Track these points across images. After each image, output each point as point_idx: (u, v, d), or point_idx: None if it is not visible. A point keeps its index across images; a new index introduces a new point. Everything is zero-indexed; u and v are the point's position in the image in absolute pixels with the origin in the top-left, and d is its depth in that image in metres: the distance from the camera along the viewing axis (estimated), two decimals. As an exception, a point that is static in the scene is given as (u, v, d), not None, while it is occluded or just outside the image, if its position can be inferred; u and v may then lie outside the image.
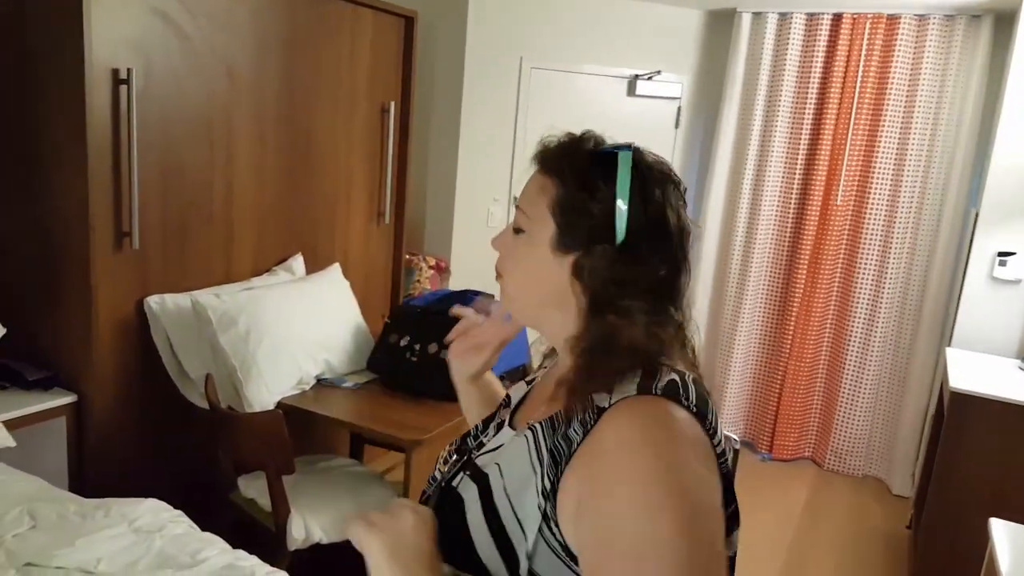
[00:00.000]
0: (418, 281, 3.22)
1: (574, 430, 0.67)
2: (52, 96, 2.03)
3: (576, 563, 0.64)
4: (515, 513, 0.68)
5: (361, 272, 2.94)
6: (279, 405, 2.18)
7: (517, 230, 0.77)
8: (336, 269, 2.74)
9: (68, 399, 2.09)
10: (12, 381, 2.09)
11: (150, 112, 2.13)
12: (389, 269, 3.12)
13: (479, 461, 0.77)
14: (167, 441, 2.30)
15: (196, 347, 2.24)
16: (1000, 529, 1.61)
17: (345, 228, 2.88)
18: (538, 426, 0.72)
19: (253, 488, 2.08)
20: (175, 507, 1.72)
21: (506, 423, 0.82)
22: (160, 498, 1.75)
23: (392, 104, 2.97)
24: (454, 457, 0.84)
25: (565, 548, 0.65)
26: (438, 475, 0.83)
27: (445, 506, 0.74)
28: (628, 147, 0.74)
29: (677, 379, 0.68)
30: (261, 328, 2.24)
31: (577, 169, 0.73)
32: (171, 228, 2.26)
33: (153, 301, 2.21)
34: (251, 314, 2.25)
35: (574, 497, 0.64)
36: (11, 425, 1.91)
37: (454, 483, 0.78)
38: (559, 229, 0.72)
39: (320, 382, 2.35)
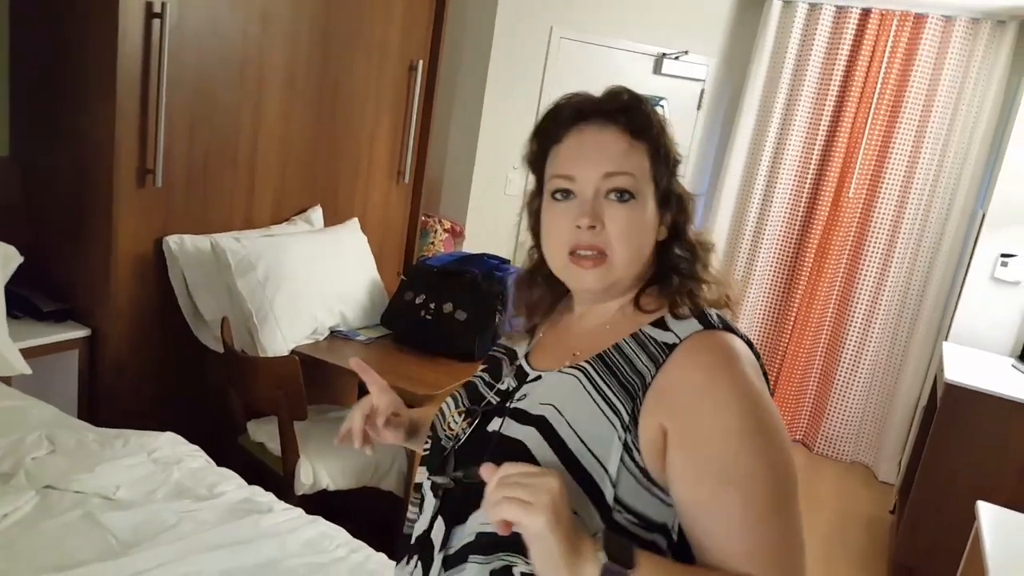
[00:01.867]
0: (432, 243, 3.17)
1: (643, 364, 0.70)
2: (85, 27, 1.94)
3: (655, 486, 0.68)
4: (587, 446, 0.69)
5: (378, 229, 2.89)
6: (293, 352, 2.14)
7: (624, 196, 0.73)
8: (355, 223, 2.68)
9: (82, 333, 2.05)
10: (26, 311, 2.04)
11: (182, 49, 2.05)
12: (405, 228, 3.06)
13: (522, 405, 0.75)
14: (180, 381, 2.26)
15: (213, 290, 2.19)
16: (987, 512, 1.62)
17: (366, 183, 2.82)
18: (587, 365, 0.74)
19: (263, 432, 2.05)
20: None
21: (528, 368, 0.81)
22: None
23: (420, 63, 2.89)
24: (465, 411, 0.81)
25: (644, 473, 0.68)
26: (449, 433, 0.80)
27: (500, 454, 0.70)
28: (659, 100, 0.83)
29: (718, 312, 0.74)
30: (279, 275, 2.19)
31: (658, 126, 0.76)
32: (195, 169, 2.19)
33: (172, 241, 2.15)
34: (270, 260, 2.20)
35: (658, 428, 0.67)
36: (24, 355, 1.86)
37: (492, 430, 0.75)
38: (658, 183, 0.76)
39: (334, 334, 2.31)
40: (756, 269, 3.65)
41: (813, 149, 3.49)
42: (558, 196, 0.76)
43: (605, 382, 0.71)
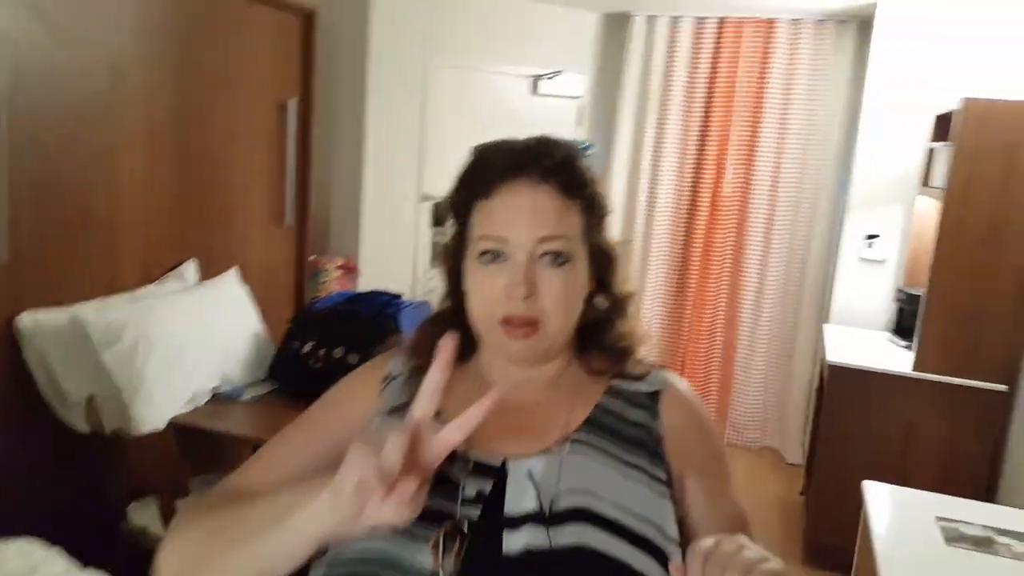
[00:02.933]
0: (324, 283, 3.05)
1: (639, 417, 0.73)
2: None
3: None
4: (640, 517, 0.66)
5: (262, 276, 2.74)
6: (171, 424, 1.98)
7: (560, 260, 0.69)
8: (232, 274, 2.53)
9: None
10: None
11: (19, 114, 1.85)
12: (292, 272, 2.93)
13: (550, 504, 0.64)
14: (45, 472, 2.04)
15: (77, 367, 1.99)
16: (873, 491, 1.66)
17: (244, 230, 2.67)
18: (584, 435, 0.71)
19: (145, 515, 1.88)
20: (55, 543, 1.52)
21: (493, 461, 0.67)
22: (39, 535, 1.53)
23: (292, 102, 2.78)
24: (434, 539, 0.62)
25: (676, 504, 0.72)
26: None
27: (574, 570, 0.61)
28: (588, 145, 0.78)
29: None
30: (149, 342, 2.02)
31: (592, 182, 0.73)
32: (47, 238, 2.00)
33: (26, 318, 1.95)
34: (137, 327, 2.03)
35: (677, 467, 0.72)
36: None
37: (518, 549, 0.62)
38: (589, 241, 0.73)
39: (216, 396, 2.16)
40: (648, 273, 3.73)
41: (687, 154, 3.61)
42: (487, 258, 0.69)
43: (614, 445, 0.70)
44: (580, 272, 0.71)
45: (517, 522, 0.64)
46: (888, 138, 3.08)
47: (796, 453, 3.57)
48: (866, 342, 2.94)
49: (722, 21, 3.46)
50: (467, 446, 0.65)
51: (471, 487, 0.66)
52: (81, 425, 1.94)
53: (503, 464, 0.68)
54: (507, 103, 3.54)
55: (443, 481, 0.64)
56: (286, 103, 2.76)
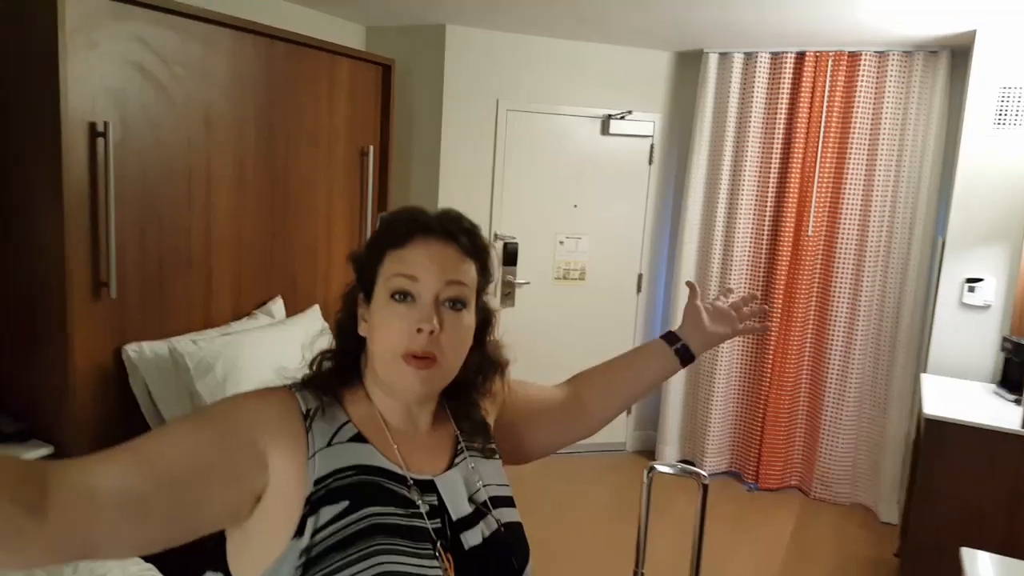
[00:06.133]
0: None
1: (475, 416, 0.95)
2: (29, 149, 2.04)
3: None
4: (506, 484, 0.94)
5: (341, 314, 2.94)
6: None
7: (458, 305, 0.83)
8: (315, 311, 2.74)
9: (44, 451, 2.07)
10: (-12, 434, 2.06)
11: (128, 162, 2.15)
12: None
13: (479, 498, 0.88)
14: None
15: (174, 394, 2.22)
16: (973, 559, 1.59)
17: (325, 269, 2.90)
18: (465, 444, 0.91)
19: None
20: (149, 560, 1.69)
21: (429, 477, 0.85)
22: (147, 559, 1.71)
23: (371, 148, 3.02)
24: (441, 547, 0.80)
25: None
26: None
27: (517, 543, 0.88)
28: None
29: None
30: (238, 373, 2.23)
31: (486, 249, 0.89)
32: (150, 275, 2.27)
33: (131, 349, 2.20)
34: (228, 359, 2.24)
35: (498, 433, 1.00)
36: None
37: (486, 533, 0.85)
38: (479, 297, 0.88)
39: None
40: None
41: (767, 193, 3.60)
42: (398, 297, 0.81)
43: (476, 441, 0.92)
44: (471, 321, 0.86)
45: (466, 522, 0.83)
46: (989, 174, 2.96)
47: (891, 512, 3.39)
48: (968, 394, 2.80)
49: (801, 56, 3.46)
50: (395, 464, 0.82)
51: (421, 502, 0.82)
52: (175, 449, 2.14)
53: (447, 476, 0.86)
54: (578, 143, 3.67)
55: (401, 500, 0.80)
56: (366, 149, 3.00)
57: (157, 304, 2.30)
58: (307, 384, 0.85)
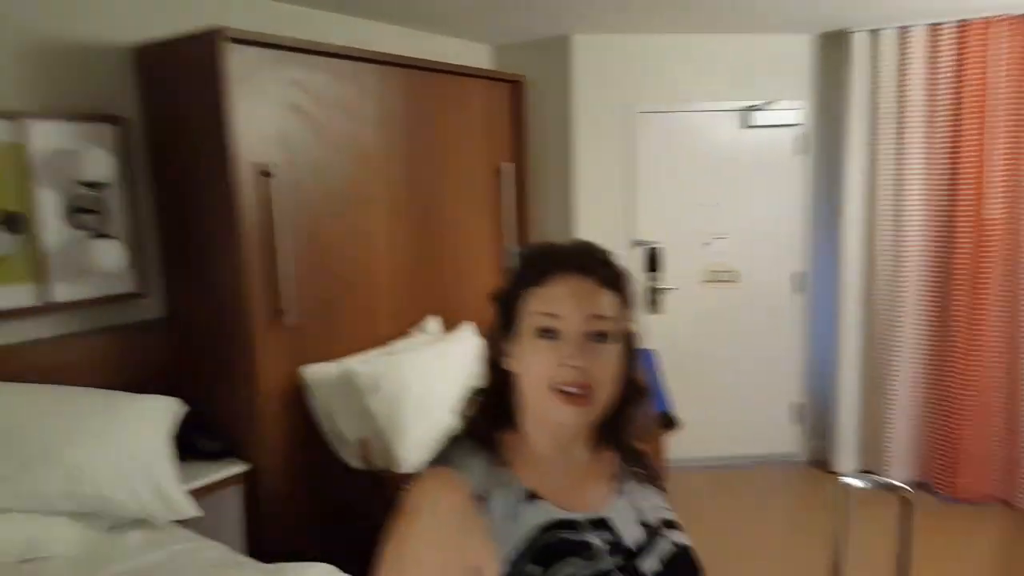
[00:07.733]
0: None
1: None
2: (207, 194, 2.22)
3: None
4: (668, 506, 0.96)
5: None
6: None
7: (605, 338, 0.84)
8: (468, 327, 2.82)
9: (242, 468, 2.25)
10: (191, 453, 2.27)
11: (293, 198, 2.32)
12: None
13: (650, 520, 0.90)
14: (333, 505, 2.41)
15: (349, 412, 2.36)
16: None
17: (476, 286, 2.98)
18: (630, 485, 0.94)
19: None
20: (345, 571, 1.77)
21: (598, 515, 0.87)
22: (332, 563, 1.80)
23: (506, 165, 3.08)
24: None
25: None
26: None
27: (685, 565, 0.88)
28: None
29: None
30: (404, 390, 2.34)
31: (625, 277, 0.90)
32: (319, 301, 2.44)
33: (308, 371, 2.36)
34: (392, 378, 2.36)
35: None
36: (194, 495, 2.05)
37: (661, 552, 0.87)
38: (625, 331, 0.89)
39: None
40: (901, 315, 3.41)
41: (934, 176, 3.31)
42: (543, 335, 0.84)
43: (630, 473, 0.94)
44: (617, 351, 0.86)
45: (642, 548, 0.86)
46: None
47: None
48: None
49: (964, 24, 3.17)
50: (568, 509, 0.84)
51: (602, 542, 0.84)
52: (355, 462, 2.28)
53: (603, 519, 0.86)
54: (716, 139, 3.57)
55: (582, 547, 0.82)
56: (501, 166, 3.07)
57: (326, 328, 2.46)
58: (468, 434, 0.89)
